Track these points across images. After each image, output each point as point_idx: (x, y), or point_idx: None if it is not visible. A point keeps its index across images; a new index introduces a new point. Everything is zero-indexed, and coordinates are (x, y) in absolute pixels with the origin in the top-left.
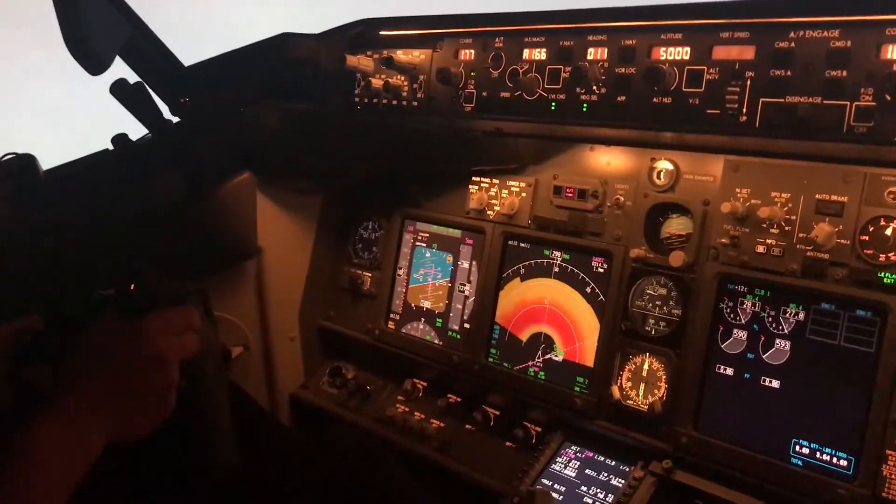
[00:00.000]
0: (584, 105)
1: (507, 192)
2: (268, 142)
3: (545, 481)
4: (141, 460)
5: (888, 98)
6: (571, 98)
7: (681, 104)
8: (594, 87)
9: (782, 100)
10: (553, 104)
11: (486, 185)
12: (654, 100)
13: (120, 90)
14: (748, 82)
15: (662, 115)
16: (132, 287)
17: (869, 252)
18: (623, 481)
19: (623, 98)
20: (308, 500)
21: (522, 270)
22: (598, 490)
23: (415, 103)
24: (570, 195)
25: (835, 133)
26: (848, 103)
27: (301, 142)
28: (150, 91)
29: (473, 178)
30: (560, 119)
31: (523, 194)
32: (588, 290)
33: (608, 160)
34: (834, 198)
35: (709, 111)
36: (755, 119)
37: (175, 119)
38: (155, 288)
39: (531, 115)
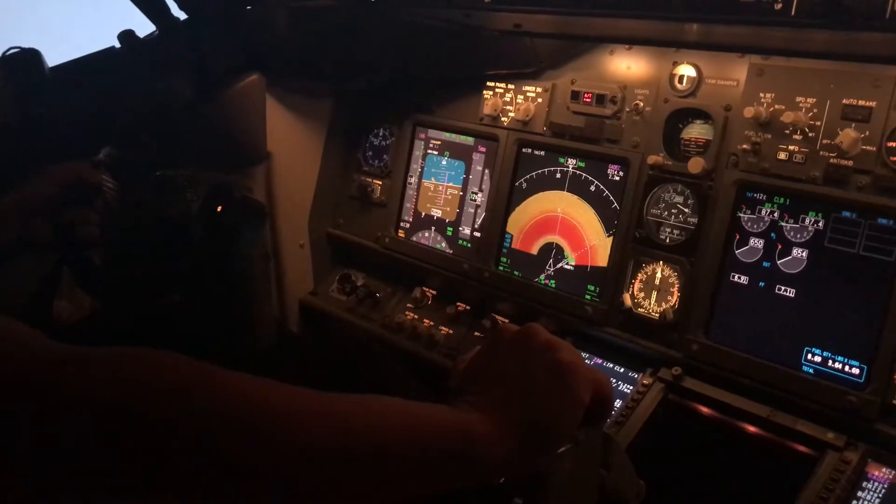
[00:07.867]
0: None
1: (522, 97)
2: (277, 40)
3: None
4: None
5: None
6: None
7: None
8: None
9: None
10: None
11: (501, 91)
12: None
13: None
14: None
15: (692, 1)
16: (219, 209)
17: (895, 159)
18: (632, 387)
19: None
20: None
21: (535, 181)
22: None
23: None
24: (588, 100)
25: (877, 20)
26: None
27: (311, 40)
28: None
29: (488, 83)
30: (582, 5)
31: (539, 100)
32: (602, 197)
33: (628, 64)
34: (861, 103)
35: None
36: (791, 6)
37: (183, 16)
38: (240, 209)
39: (553, 3)
